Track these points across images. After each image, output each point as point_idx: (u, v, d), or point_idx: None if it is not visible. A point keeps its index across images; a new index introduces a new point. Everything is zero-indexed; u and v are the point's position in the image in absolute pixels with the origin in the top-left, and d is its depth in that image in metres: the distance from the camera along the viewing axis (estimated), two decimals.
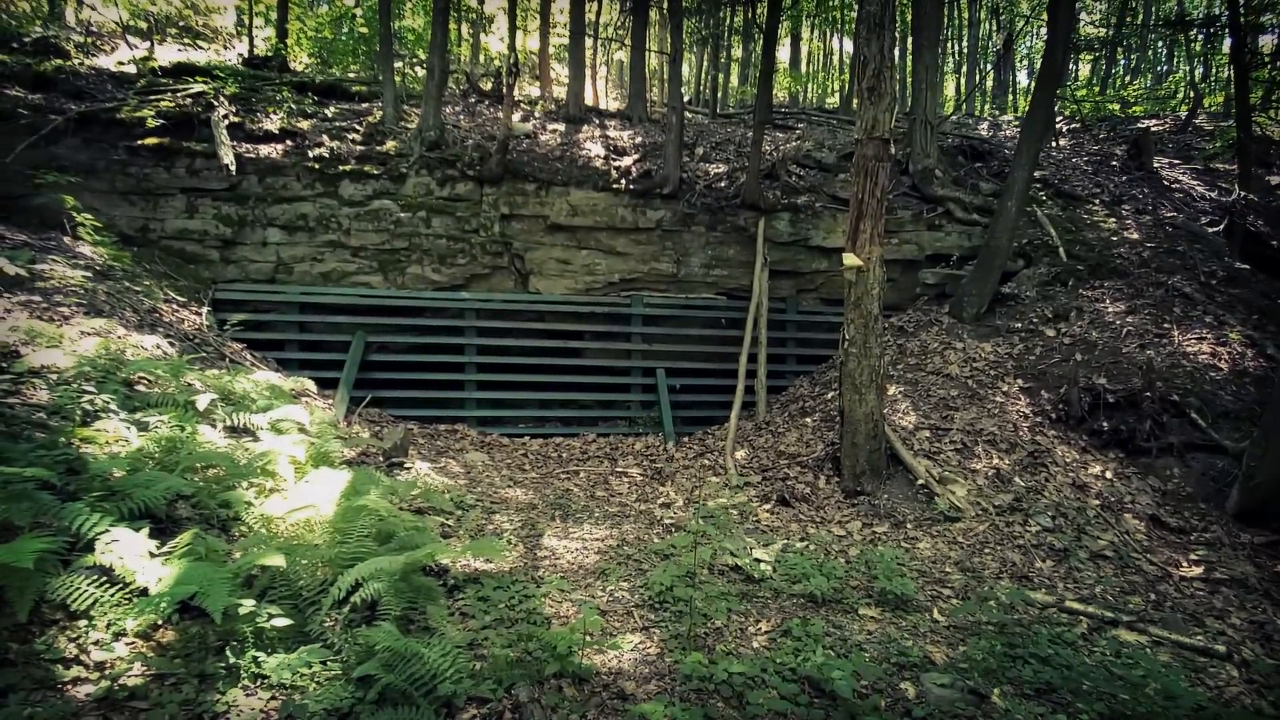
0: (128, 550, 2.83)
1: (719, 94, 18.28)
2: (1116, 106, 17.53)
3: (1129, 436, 6.27)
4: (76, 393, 4.41)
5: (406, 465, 5.94)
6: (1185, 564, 5.05)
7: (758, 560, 4.85)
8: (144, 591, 2.84)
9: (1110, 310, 7.57)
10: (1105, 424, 6.42)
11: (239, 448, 4.56)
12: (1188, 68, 24.51)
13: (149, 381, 5.17)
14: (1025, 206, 8.28)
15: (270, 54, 12.68)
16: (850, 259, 5.91)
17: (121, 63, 10.49)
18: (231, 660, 2.73)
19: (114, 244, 7.57)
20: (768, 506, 6.21)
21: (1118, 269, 8.10)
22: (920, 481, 5.94)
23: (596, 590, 4.16)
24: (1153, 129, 12.27)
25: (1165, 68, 25.14)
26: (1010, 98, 24.08)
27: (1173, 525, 5.52)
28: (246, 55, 13.26)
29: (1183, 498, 5.79)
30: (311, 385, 7.01)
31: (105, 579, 2.86)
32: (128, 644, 2.78)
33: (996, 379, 7.25)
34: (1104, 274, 8.10)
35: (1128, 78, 23.59)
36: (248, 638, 2.81)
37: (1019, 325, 7.88)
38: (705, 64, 21.22)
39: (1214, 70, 21.39)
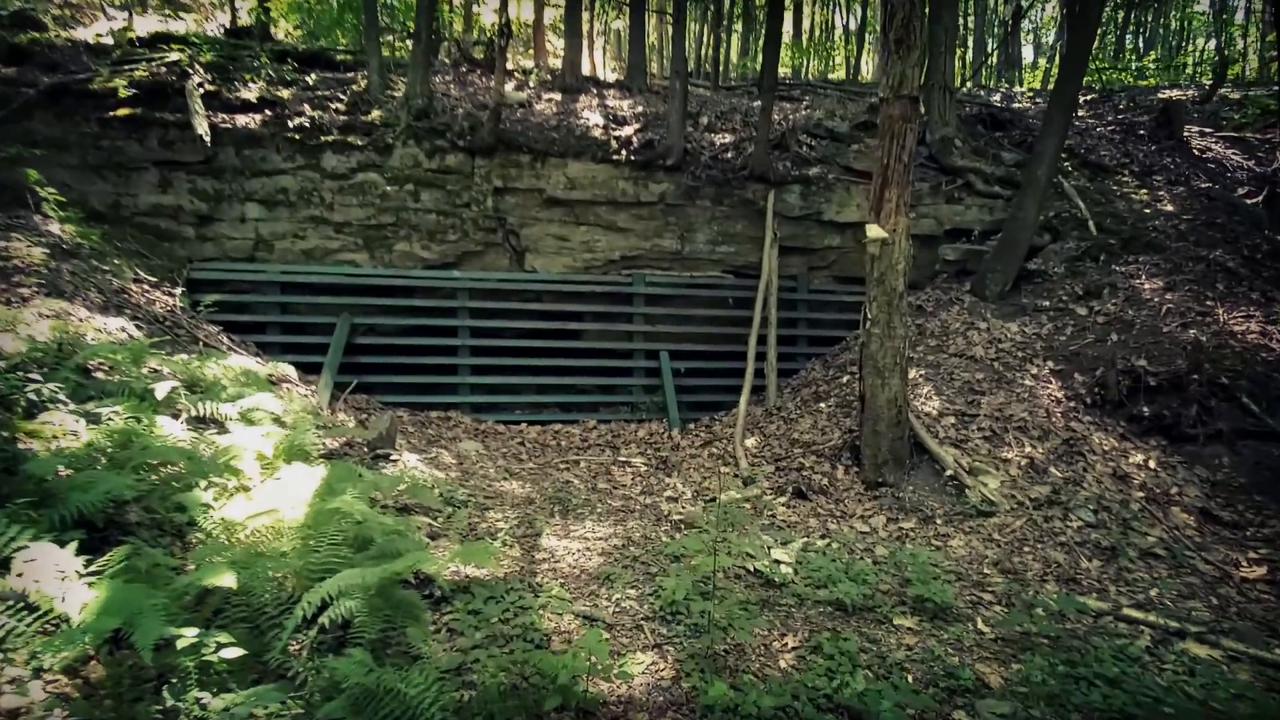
0: (45, 571, 2.39)
1: (720, 67, 17.58)
2: (1130, 78, 16.92)
3: (1173, 422, 5.82)
4: (21, 381, 3.95)
5: (393, 456, 5.50)
6: (1245, 563, 4.63)
7: (777, 562, 4.41)
8: (68, 620, 2.39)
9: (1147, 287, 7.09)
10: (1146, 409, 5.97)
11: (203, 441, 4.11)
12: (1202, 40, 23.94)
13: (108, 368, 4.71)
14: (1054, 177, 7.75)
15: (253, 23, 12.05)
16: (874, 230, 5.41)
17: (99, 35, 9.94)
18: (170, 702, 2.30)
19: (81, 220, 7.06)
20: (783, 500, 5.78)
21: (1153, 243, 7.60)
22: (949, 472, 5.50)
23: (601, 599, 3.74)
24: (1177, 98, 11.67)
25: (1176, 41, 24.49)
26: (1017, 72, 23.51)
27: (1226, 519, 5.09)
28: (228, 25, 12.66)
29: (1234, 489, 5.36)
30: (291, 370, 6.54)
31: (24, 606, 2.42)
32: (49, 682, 2.34)
33: (1024, 361, 6.78)
34: (1138, 248, 7.60)
35: (1136, 50, 23.03)
36: (190, 673, 2.37)
37: (1047, 304, 7.40)
38: (706, 34, 20.48)
39: (1228, 40, 20.89)
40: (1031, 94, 14.85)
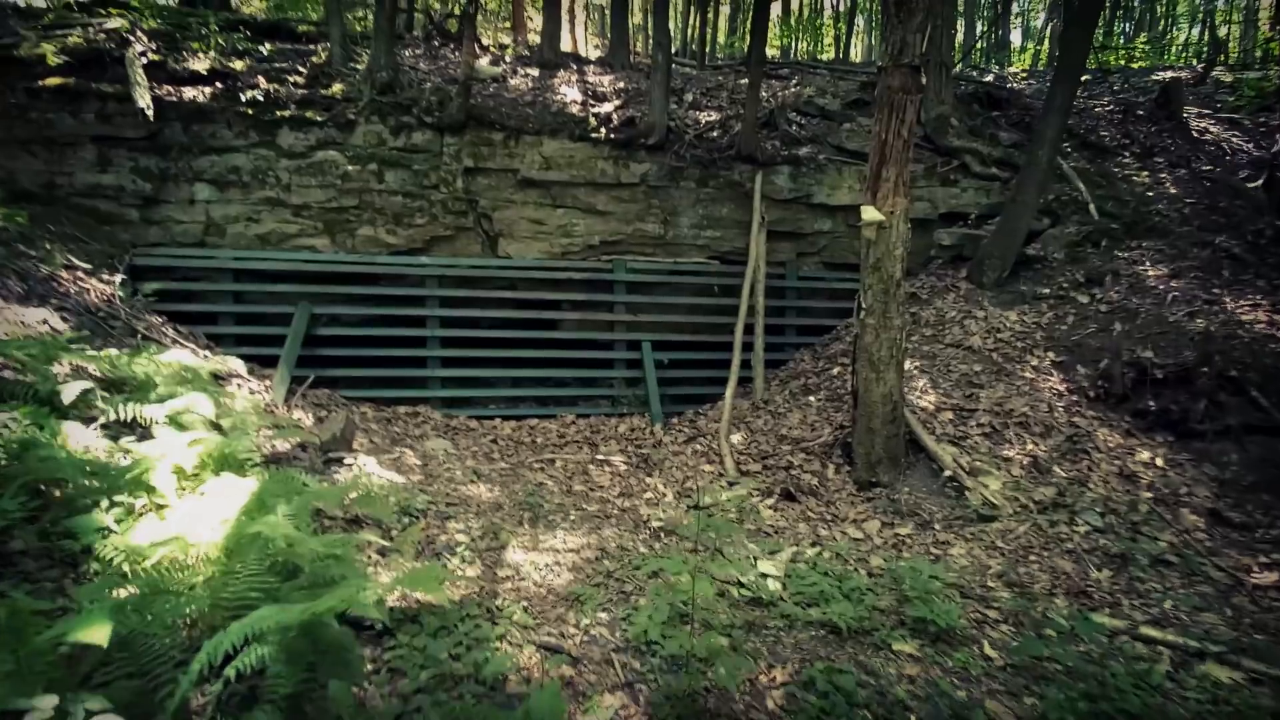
0: None
1: (706, 48, 17.01)
2: (1122, 59, 16.68)
3: (1180, 417, 5.51)
4: None
5: (347, 460, 5.05)
6: (1256, 568, 4.33)
7: (764, 575, 4.04)
8: None
9: (1151, 274, 6.76)
10: (1152, 403, 5.66)
11: (118, 450, 3.65)
12: (1186, 26, 23.94)
13: (17, 366, 4.20)
14: (1056, 158, 7.37)
15: None
16: (870, 213, 5.00)
17: None
18: None
19: (4, 200, 6.48)
20: (770, 501, 5.41)
21: (1157, 227, 7.27)
22: (947, 473, 5.16)
23: (568, 625, 3.34)
24: (1176, 78, 11.33)
25: (1162, 26, 24.42)
26: (1006, 55, 23.30)
27: (1235, 521, 4.79)
28: None
29: (1244, 488, 5.07)
30: (240, 365, 6.05)
31: None
32: None
33: (1024, 352, 6.45)
34: (1141, 233, 7.27)
35: (1124, 34, 22.93)
36: None
37: (1047, 291, 7.06)
38: (692, 13, 19.90)
39: (1214, 24, 20.98)
40: (1025, 74, 14.48)
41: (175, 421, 4.14)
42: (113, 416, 3.95)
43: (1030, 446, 5.39)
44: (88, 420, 3.84)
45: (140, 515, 3.10)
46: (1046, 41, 24.84)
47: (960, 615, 3.56)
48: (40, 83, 6.94)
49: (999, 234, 7.38)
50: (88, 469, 3.23)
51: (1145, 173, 8.33)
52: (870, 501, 5.20)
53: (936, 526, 4.74)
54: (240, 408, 5.01)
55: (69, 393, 3.70)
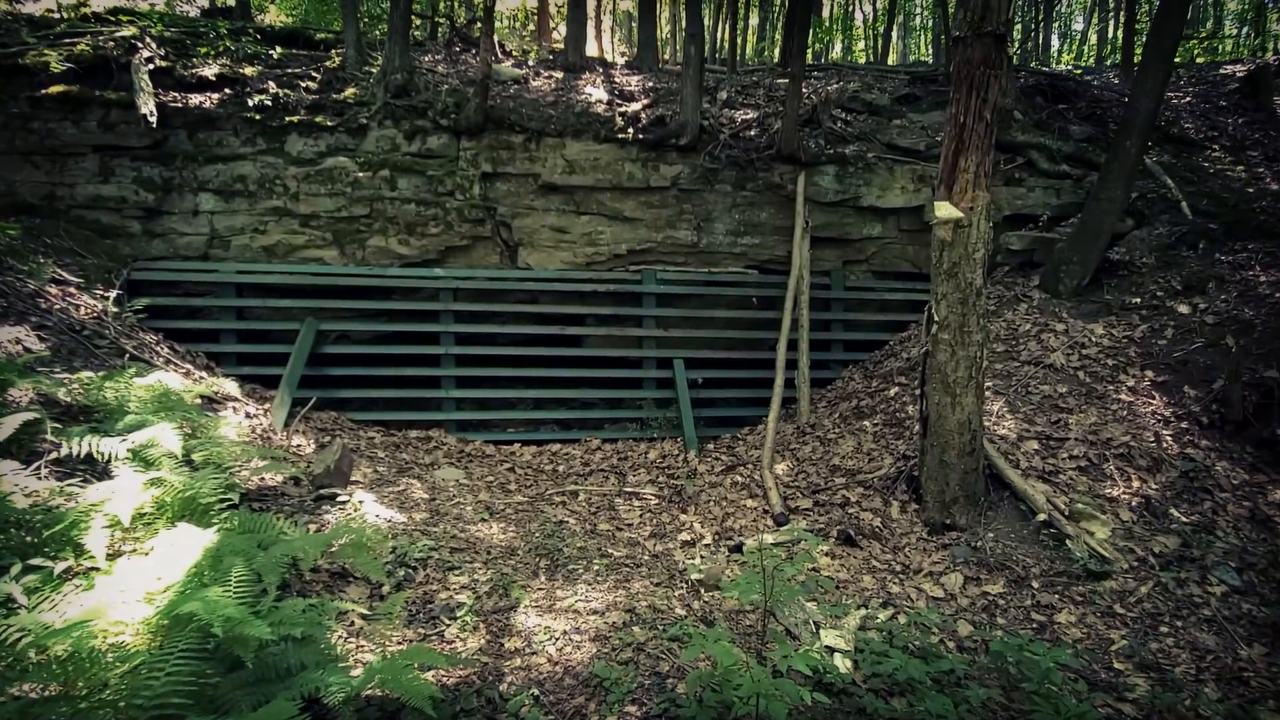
0: None
1: (738, 55, 16.40)
2: (1182, 54, 15.66)
3: None
4: None
5: (342, 497, 4.45)
6: None
7: (829, 650, 3.30)
8: None
9: (1264, 279, 5.86)
10: None
11: (61, 494, 3.09)
12: (1230, 25, 22.95)
13: None
14: (1147, 148, 6.53)
15: (232, 3, 11.20)
16: (944, 209, 4.27)
17: (50, 10, 9.10)
18: None
19: None
20: (826, 547, 4.65)
21: (1264, 227, 6.36)
22: (1041, 516, 4.34)
23: None
24: (1264, 64, 10.33)
25: (1212, 25, 23.36)
26: (1047, 58, 22.45)
27: None
28: (207, 5, 11.87)
29: None
30: (233, 386, 5.54)
31: None
32: None
33: (1116, 370, 5.60)
34: (1245, 234, 6.36)
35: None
36: None
37: (1137, 300, 6.19)
38: (722, 22, 19.37)
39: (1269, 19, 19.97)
40: (1080, 70, 13.59)
41: (139, 457, 3.58)
42: (65, 451, 3.42)
43: (1138, 484, 4.55)
44: (32, 457, 3.31)
45: (61, 582, 2.52)
46: (1090, 38, 23.90)
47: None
48: (43, 91, 6.63)
49: (1078, 236, 6.54)
50: (10, 520, 2.67)
51: (1240, 167, 7.42)
52: (946, 549, 4.41)
53: (1034, 584, 3.93)
54: (229, 435, 4.46)
55: (7, 426, 3.17)
